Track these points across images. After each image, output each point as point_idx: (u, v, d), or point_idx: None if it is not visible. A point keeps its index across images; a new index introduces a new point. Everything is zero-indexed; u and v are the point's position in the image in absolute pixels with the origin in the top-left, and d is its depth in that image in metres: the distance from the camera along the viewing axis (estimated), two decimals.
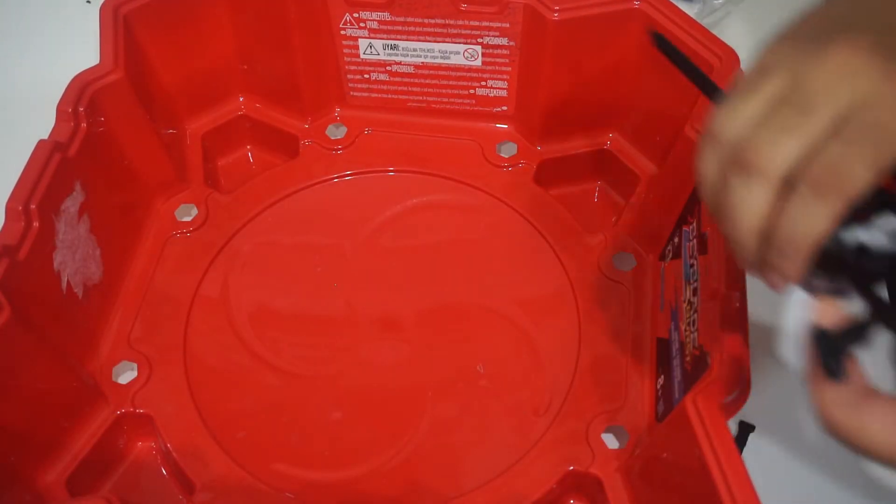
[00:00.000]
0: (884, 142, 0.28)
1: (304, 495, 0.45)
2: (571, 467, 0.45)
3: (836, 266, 0.31)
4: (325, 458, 0.47)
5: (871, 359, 0.33)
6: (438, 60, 0.56)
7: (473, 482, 0.45)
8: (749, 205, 0.30)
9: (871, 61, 0.29)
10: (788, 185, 0.29)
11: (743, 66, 0.65)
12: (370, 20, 0.55)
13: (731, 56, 0.48)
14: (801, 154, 0.29)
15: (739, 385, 0.37)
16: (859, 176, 0.28)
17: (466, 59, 0.56)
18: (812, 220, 0.29)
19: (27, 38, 0.69)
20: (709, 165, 0.32)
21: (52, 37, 0.69)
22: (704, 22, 0.68)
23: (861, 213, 0.30)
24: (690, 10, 0.68)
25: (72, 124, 0.47)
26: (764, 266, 0.31)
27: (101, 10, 0.51)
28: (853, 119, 0.29)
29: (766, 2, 0.69)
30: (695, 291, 0.43)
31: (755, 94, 0.31)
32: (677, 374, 0.43)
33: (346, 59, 0.58)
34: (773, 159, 0.29)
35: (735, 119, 0.31)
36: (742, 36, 0.68)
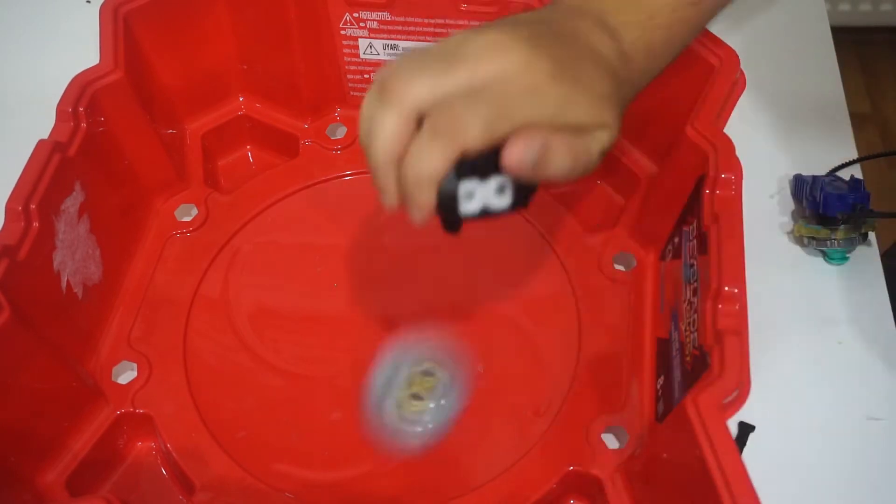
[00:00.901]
0: (504, 110, 0.33)
1: (304, 495, 0.45)
2: (571, 467, 0.45)
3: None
4: (325, 457, 0.47)
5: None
6: None
7: (473, 482, 0.45)
8: (383, 130, 0.34)
9: (520, 45, 0.34)
10: (418, 125, 0.34)
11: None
12: (370, 20, 0.55)
13: (731, 57, 0.48)
14: (432, 96, 0.33)
15: (739, 385, 0.37)
16: (473, 132, 0.33)
17: None
18: (429, 158, 0.33)
19: (27, 38, 0.69)
20: (366, 103, 0.36)
21: (52, 37, 0.69)
22: None
23: (480, 168, 0.35)
24: None
25: (72, 124, 0.47)
26: (402, 199, 0.36)
27: (101, 10, 0.51)
28: (487, 86, 0.33)
29: (755, 9, 0.70)
30: (695, 291, 0.43)
31: (427, 50, 0.35)
32: (677, 374, 0.43)
33: (346, 59, 0.58)
34: (407, 91, 0.34)
35: (398, 64, 0.35)
36: (728, 33, 0.68)
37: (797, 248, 0.56)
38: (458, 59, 0.34)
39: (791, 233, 0.56)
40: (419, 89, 0.34)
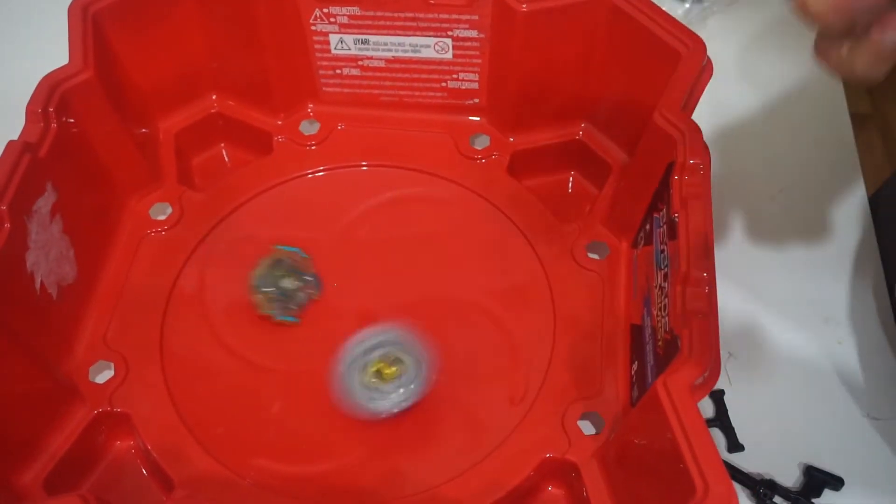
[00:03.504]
0: None
1: (284, 489, 0.45)
2: (548, 454, 0.45)
3: None
4: (305, 451, 0.47)
5: None
6: (409, 54, 0.57)
7: (452, 471, 0.45)
8: None
9: None
10: None
11: (723, 59, 0.65)
12: (340, 15, 0.55)
13: (698, 44, 0.48)
14: None
15: (709, 367, 0.37)
16: None
17: (437, 52, 0.56)
18: None
19: None
20: None
21: (21, 37, 0.68)
22: (695, 20, 0.69)
23: None
24: (681, 8, 0.69)
25: (42, 125, 0.47)
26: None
27: (70, 8, 0.50)
28: None
29: (754, 9, 0.70)
30: (665, 277, 0.44)
31: None
32: (650, 358, 0.44)
33: (317, 54, 0.58)
34: None
35: None
36: (729, 33, 0.68)
37: (797, 248, 0.56)
38: None
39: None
40: None
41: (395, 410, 0.46)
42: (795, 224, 0.57)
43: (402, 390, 0.46)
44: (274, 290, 0.50)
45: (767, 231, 0.57)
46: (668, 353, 0.41)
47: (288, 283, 0.50)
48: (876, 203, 0.58)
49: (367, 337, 0.47)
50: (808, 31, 0.32)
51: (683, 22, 0.64)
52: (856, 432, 0.49)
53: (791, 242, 0.56)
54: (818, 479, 0.47)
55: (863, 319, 0.53)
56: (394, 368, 0.46)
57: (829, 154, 0.61)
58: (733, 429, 0.49)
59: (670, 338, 0.41)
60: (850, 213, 0.58)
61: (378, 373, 0.46)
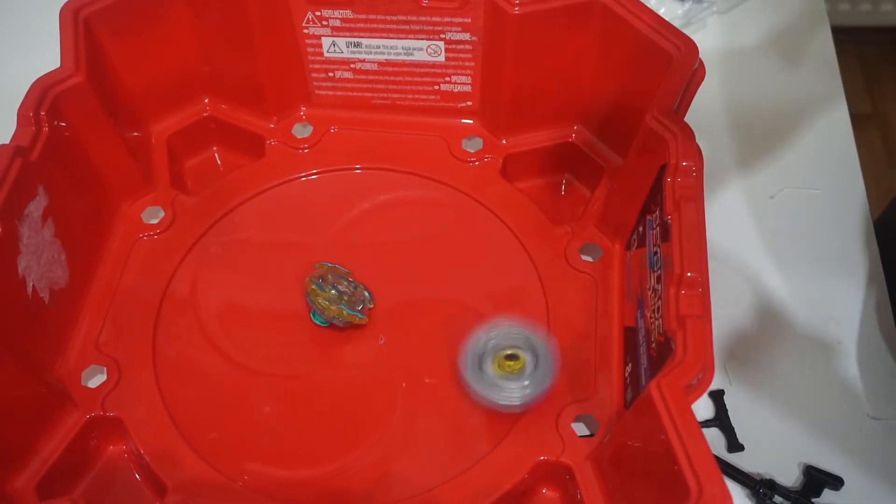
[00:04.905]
0: None
1: (278, 494, 0.45)
2: (542, 457, 0.45)
3: None
4: (298, 455, 0.47)
5: None
6: (402, 57, 0.57)
7: (446, 474, 0.45)
8: None
9: None
10: None
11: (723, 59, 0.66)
12: (332, 18, 0.55)
13: (690, 47, 0.48)
14: None
15: (703, 369, 0.37)
16: None
17: (430, 55, 0.56)
18: None
19: None
20: None
21: (12, 40, 0.68)
22: (695, 20, 0.69)
23: None
24: (681, 8, 0.69)
25: (33, 128, 0.47)
26: None
27: (61, 12, 0.50)
28: None
29: (754, 8, 0.70)
30: (659, 279, 0.44)
31: None
32: (644, 361, 0.44)
33: (309, 57, 0.58)
34: None
35: None
36: (729, 33, 0.69)
37: (797, 248, 0.56)
38: None
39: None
40: None
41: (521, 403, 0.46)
42: (795, 224, 0.57)
43: (526, 383, 0.46)
44: (335, 291, 0.50)
45: (767, 231, 0.57)
46: (661, 355, 0.41)
47: (345, 287, 0.50)
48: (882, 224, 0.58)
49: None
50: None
51: (683, 22, 0.64)
52: (856, 432, 0.49)
53: (791, 242, 0.56)
54: (818, 479, 0.47)
55: (863, 319, 0.53)
56: (516, 362, 0.47)
57: (829, 154, 0.61)
58: (733, 429, 0.49)
59: (664, 340, 0.41)
60: (850, 212, 0.58)
61: (501, 366, 0.47)
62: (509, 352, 0.47)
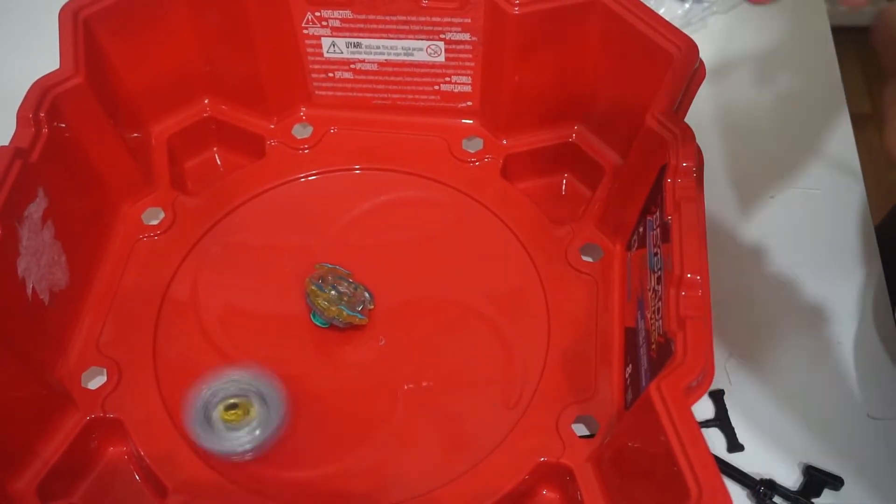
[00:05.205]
0: None
1: (278, 495, 0.45)
2: (543, 458, 0.45)
3: None
4: (298, 457, 0.47)
5: None
6: (402, 57, 0.57)
7: (446, 476, 0.45)
8: None
9: None
10: None
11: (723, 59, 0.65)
12: (332, 18, 0.55)
13: (690, 47, 0.48)
14: None
15: (703, 370, 0.37)
16: None
17: (429, 55, 0.56)
18: None
19: None
20: None
21: (11, 41, 0.68)
22: (695, 20, 0.69)
23: None
24: (681, 8, 0.69)
25: (33, 130, 0.47)
26: None
27: (61, 13, 0.50)
28: None
29: (754, 8, 0.70)
30: (659, 280, 0.44)
31: None
32: (644, 362, 0.44)
33: (309, 58, 0.58)
34: None
35: None
36: (729, 33, 0.68)
37: (797, 248, 0.56)
38: None
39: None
40: None
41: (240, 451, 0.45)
42: (795, 224, 0.57)
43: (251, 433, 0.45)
44: (335, 292, 0.50)
45: (767, 231, 0.57)
46: (661, 356, 0.41)
47: (346, 287, 0.50)
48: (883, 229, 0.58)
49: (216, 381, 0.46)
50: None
51: (684, 22, 0.64)
52: (856, 432, 0.49)
53: (791, 242, 0.56)
54: (818, 479, 0.47)
55: (863, 320, 0.53)
56: (237, 411, 0.46)
57: (829, 154, 0.61)
58: (733, 429, 0.49)
59: (664, 341, 0.41)
60: (850, 212, 0.58)
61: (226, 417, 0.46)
62: (230, 401, 0.46)
